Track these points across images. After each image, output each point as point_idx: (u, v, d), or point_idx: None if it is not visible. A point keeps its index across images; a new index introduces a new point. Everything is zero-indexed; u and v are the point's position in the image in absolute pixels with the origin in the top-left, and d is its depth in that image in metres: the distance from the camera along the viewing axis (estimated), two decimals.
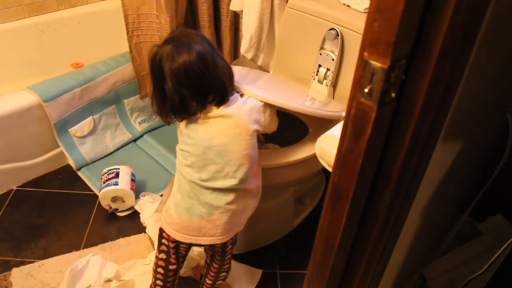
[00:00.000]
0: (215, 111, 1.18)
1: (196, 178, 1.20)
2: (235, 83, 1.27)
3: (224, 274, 1.43)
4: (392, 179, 0.60)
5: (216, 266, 1.41)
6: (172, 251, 1.31)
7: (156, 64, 1.16)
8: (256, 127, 1.21)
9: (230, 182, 1.20)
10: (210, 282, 1.45)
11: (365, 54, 0.49)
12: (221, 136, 1.17)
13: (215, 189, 1.20)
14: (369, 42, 0.48)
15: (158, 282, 1.35)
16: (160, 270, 1.34)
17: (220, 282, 1.45)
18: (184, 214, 1.23)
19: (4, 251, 1.66)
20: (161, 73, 1.15)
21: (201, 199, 1.21)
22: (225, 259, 1.39)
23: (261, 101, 1.25)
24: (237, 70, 1.59)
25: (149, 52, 1.19)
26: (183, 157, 1.23)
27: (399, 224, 0.74)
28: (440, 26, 0.49)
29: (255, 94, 1.26)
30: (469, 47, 0.57)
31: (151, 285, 1.39)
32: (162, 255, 1.33)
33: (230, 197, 1.22)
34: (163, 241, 1.31)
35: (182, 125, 1.22)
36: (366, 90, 0.50)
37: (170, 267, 1.33)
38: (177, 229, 1.25)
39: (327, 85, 1.60)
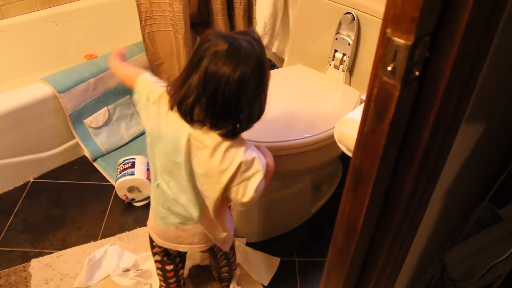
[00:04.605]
0: (211, 139, 0.98)
1: (165, 180, 1.09)
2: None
3: (225, 268, 1.43)
4: (416, 161, 0.59)
5: (213, 264, 1.42)
6: (162, 254, 1.29)
7: (200, 50, 0.94)
8: (227, 187, 1.01)
9: (191, 210, 1.10)
10: (216, 274, 1.47)
11: (388, 31, 0.47)
12: (195, 163, 1.01)
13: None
14: (392, 18, 0.47)
15: (161, 283, 1.36)
16: (159, 272, 1.34)
17: (225, 274, 1.46)
18: (159, 222, 1.18)
19: (23, 242, 1.68)
20: (198, 62, 0.93)
21: (173, 210, 1.13)
22: (219, 260, 1.38)
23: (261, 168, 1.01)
24: None
25: (204, 33, 0.96)
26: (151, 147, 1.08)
27: (421, 208, 0.72)
28: (466, 0, 0.47)
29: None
30: (495, 22, 0.54)
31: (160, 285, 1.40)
32: (157, 257, 1.31)
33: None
34: (154, 243, 1.27)
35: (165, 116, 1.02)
36: (389, 68, 0.48)
37: (167, 267, 1.32)
38: (158, 234, 1.22)
39: (343, 71, 1.58)
